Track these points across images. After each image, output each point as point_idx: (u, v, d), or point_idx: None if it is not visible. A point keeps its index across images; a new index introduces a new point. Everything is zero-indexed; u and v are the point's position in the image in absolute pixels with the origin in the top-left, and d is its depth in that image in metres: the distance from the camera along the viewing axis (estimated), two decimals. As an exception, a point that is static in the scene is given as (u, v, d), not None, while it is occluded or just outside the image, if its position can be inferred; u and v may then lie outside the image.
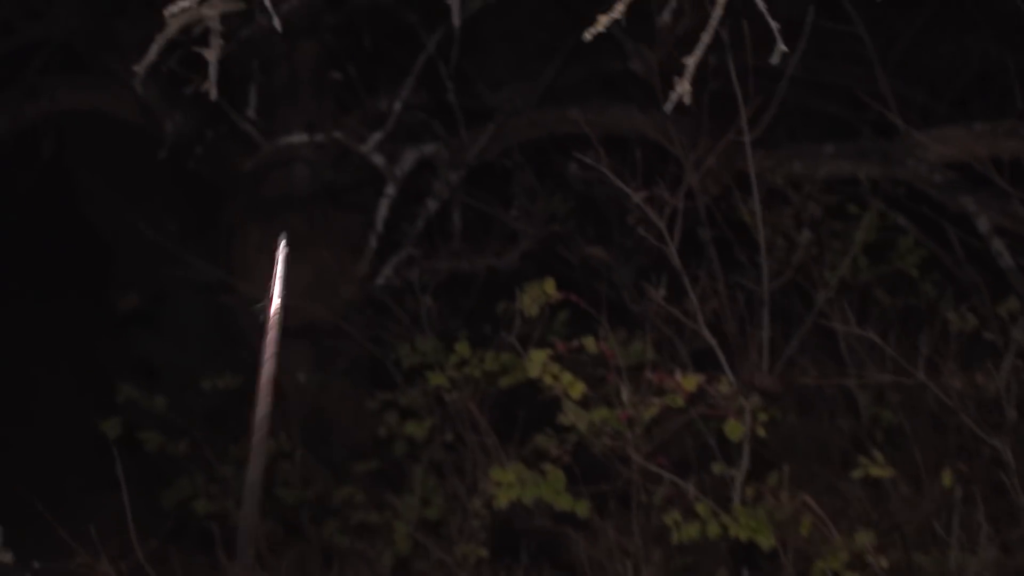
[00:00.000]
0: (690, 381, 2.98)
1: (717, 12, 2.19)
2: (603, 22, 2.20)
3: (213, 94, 3.39)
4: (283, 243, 1.28)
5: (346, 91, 5.35)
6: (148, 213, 6.62)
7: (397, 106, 4.32)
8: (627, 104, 5.05)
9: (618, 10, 2.20)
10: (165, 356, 6.65)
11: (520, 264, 5.00)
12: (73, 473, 6.30)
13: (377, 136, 4.57)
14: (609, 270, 5.05)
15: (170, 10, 2.54)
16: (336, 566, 4.78)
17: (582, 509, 3.18)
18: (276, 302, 1.28)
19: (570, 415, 2.92)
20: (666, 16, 4.33)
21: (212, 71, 2.72)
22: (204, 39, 2.73)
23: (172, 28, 2.60)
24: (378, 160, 4.68)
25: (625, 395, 2.94)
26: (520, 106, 5.22)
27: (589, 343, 3.19)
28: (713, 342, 3.22)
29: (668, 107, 2.10)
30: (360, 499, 4.76)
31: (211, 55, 2.67)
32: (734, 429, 2.92)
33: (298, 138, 4.66)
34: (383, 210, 4.78)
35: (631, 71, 5.10)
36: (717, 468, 3.34)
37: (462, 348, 4.04)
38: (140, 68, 2.71)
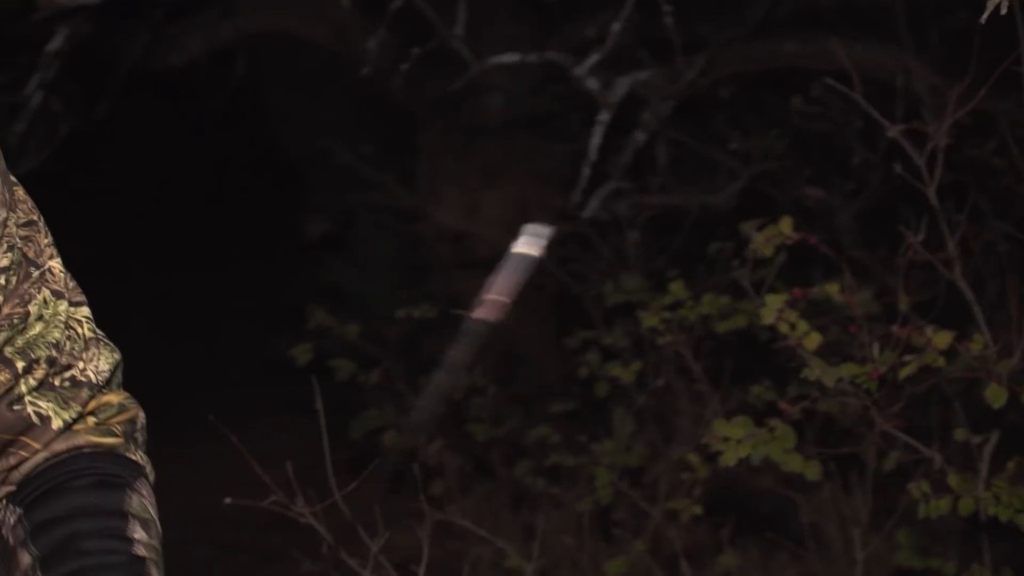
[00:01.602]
0: (942, 338, 2.68)
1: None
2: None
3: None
4: (529, 239, 1.00)
5: (554, 14, 5.14)
6: (340, 137, 6.55)
7: (615, 27, 4.07)
8: (854, 39, 4.71)
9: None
10: (353, 284, 6.59)
11: (733, 203, 4.74)
12: (261, 400, 6.30)
13: (593, 59, 4.33)
14: (827, 213, 4.76)
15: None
16: (526, 508, 4.64)
17: (812, 471, 2.92)
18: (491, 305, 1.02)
19: (816, 369, 2.65)
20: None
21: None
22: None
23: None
24: (592, 85, 4.44)
25: (876, 350, 2.66)
26: (733, 38, 4.94)
27: (833, 290, 2.91)
28: (971, 295, 2.91)
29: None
30: (555, 440, 4.60)
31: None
32: (997, 394, 2.62)
33: (509, 58, 4.46)
34: (596, 138, 4.55)
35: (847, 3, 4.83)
36: (960, 435, 3.05)
37: (677, 289, 3.80)
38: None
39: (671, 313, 3.79)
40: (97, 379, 1.46)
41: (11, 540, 1.40)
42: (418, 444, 4.73)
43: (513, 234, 4.72)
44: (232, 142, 8.76)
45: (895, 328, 2.75)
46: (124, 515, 1.40)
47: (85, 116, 5.25)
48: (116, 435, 1.46)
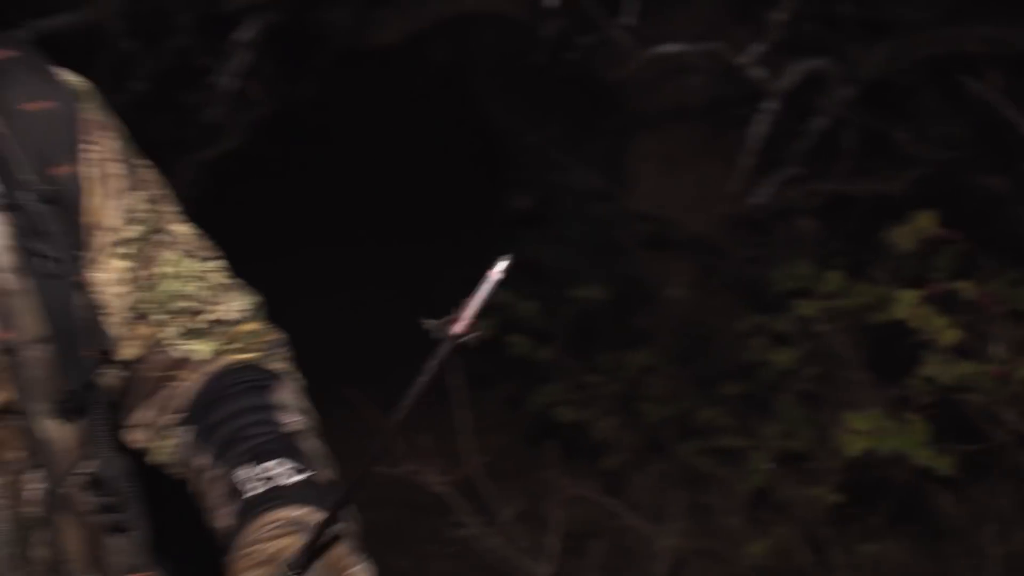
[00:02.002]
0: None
1: None
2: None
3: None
4: (502, 264, 1.13)
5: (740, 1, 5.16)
6: (542, 116, 6.71)
7: (781, 17, 4.09)
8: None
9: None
10: (548, 260, 6.76)
11: (911, 191, 4.69)
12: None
13: (757, 48, 4.35)
14: (1009, 204, 4.66)
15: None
16: (694, 488, 4.73)
17: (945, 466, 2.94)
18: (466, 322, 1.15)
19: (933, 366, 2.68)
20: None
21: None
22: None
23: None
24: (758, 74, 4.46)
25: (1001, 350, 2.67)
26: (924, 20, 4.87)
27: (966, 287, 2.92)
28: None
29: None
30: (724, 422, 4.67)
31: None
32: None
33: (673, 48, 4.52)
34: (761, 127, 4.58)
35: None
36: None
37: (834, 278, 3.83)
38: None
39: (828, 302, 3.82)
40: (236, 316, 1.73)
41: (189, 453, 1.66)
42: (589, 420, 4.88)
43: (698, 217, 4.84)
44: (441, 119, 9.05)
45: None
46: (274, 407, 1.65)
47: (289, 97, 5.55)
48: (256, 352, 1.72)
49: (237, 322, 1.73)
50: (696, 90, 5.72)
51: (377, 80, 8.04)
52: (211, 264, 1.74)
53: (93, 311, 1.61)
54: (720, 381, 4.88)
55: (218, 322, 1.72)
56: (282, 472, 1.55)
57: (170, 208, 1.72)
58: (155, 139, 1.73)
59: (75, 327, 1.57)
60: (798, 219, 4.65)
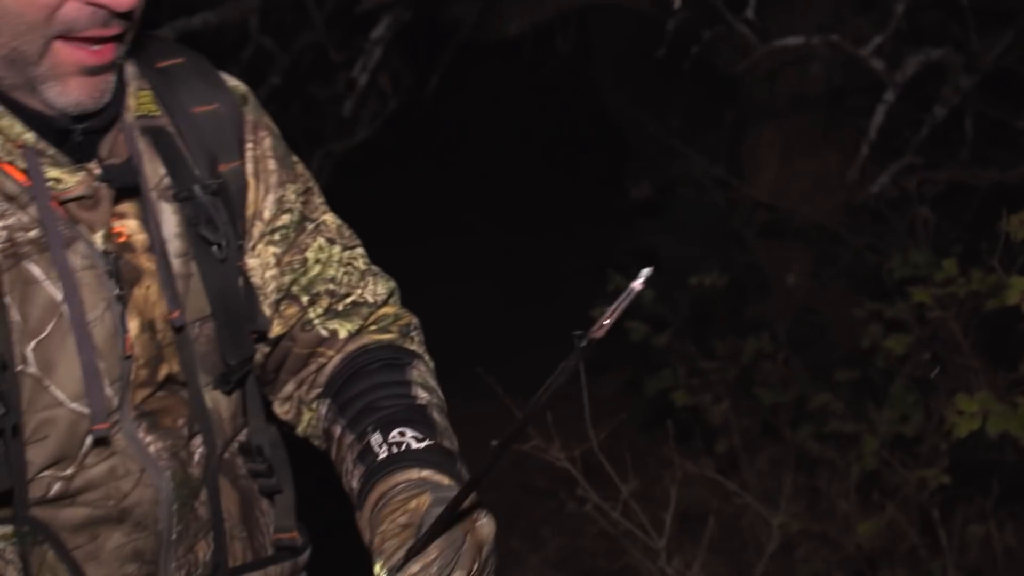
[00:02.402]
0: None
1: None
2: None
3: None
4: (644, 273, 1.17)
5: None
6: (662, 107, 6.79)
7: (900, 8, 4.13)
8: None
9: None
10: (666, 248, 6.84)
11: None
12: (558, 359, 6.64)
13: (877, 39, 4.40)
14: None
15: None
16: (806, 471, 4.80)
17: (1053, 448, 3.00)
18: (605, 329, 1.21)
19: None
20: None
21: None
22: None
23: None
24: (877, 64, 4.51)
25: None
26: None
27: (1075, 273, 2.97)
28: None
29: None
30: (837, 407, 4.73)
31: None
32: None
33: (794, 41, 4.58)
34: (879, 116, 4.62)
35: None
36: None
37: (949, 264, 3.87)
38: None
39: (942, 289, 3.86)
40: (375, 299, 1.90)
41: (328, 424, 1.82)
42: (704, 405, 4.97)
43: (818, 207, 4.86)
44: (565, 109, 9.17)
45: None
46: (406, 383, 1.80)
47: (418, 89, 5.72)
48: (393, 333, 1.89)
49: (377, 305, 1.90)
50: (814, 80, 5.75)
51: (500, 73, 8.19)
52: (354, 251, 1.91)
53: (251, 293, 1.79)
54: (836, 367, 4.94)
55: (360, 304, 1.88)
56: (410, 438, 1.68)
57: (318, 199, 1.91)
58: (287, 132, 1.90)
59: (235, 308, 1.76)
60: (916, 208, 4.67)
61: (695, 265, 5.66)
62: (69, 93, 1.54)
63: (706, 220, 6.76)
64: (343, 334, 1.86)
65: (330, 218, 1.91)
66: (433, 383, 1.85)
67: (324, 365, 1.87)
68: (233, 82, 1.84)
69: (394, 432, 1.70)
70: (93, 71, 1.55)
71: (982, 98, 4.98)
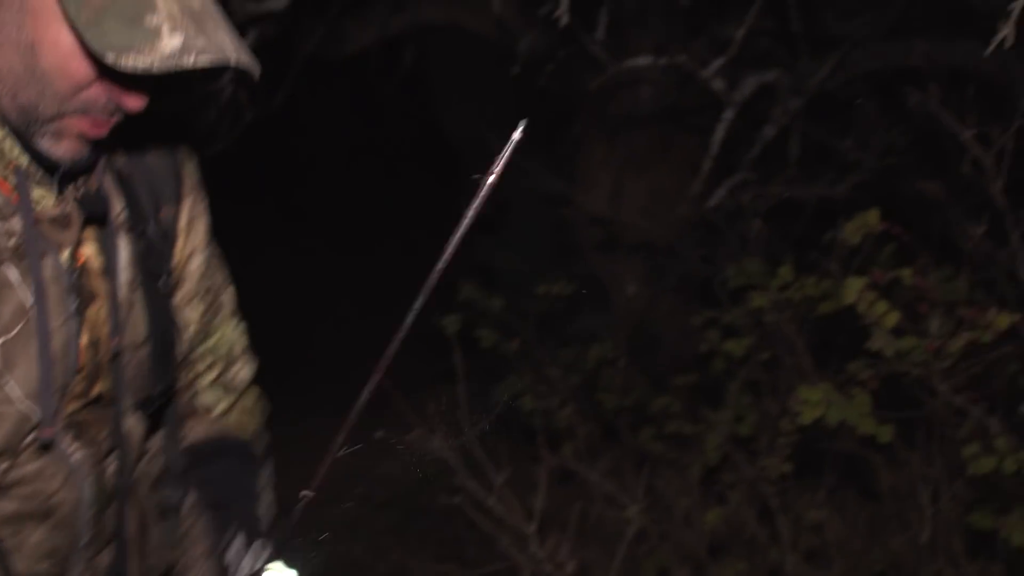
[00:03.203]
0: (1004, 319, 3.01)
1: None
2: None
3: (565, 19, 3.63)
4: (520, 127, 1.42)
5: (694, 16, 5.46)
6: (497, 125, 6.96)
7: (740, 33, 4.41)
8: (971, 40, 4.94)
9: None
10: (504, 262, 7.01)
11: (852, 194, 5.02)
12: (416, 363, 6.76)
13: (719, 62, 4.68)
14: (942, 206, 4.99)
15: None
16: (647, 470, 5.02)
17: (884, 434, 3.27)
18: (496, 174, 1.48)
19: (879, 341, 3.01)
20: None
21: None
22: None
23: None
24: (718, 85, 4.79)
25: (935, 327, 3.00)
26: (866, 37, 5.20)
27: (905, 275, 3.25)
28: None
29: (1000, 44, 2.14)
30: (676, 409, 4.96)
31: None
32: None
33: (644, 61, 4.83)
34: (719, 134, 4.91)
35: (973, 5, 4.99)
36: None
37: (785, 272, 4.15)
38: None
39: (779, 294, 4.13)
40: (247, 379, 2.11)
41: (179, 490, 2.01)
42: (550, 409, 5.15)
43: (652, 221, 5.08)
44: (400, 127, 9.27)
45: (963, 310, 3.08)
46: (255, 494, 2.05)
47: (267, 104, 5.78)
48: (254, 425, 2.12)
49: (248, 386, 2.12)
50: (644, 102, 6.01)
51: (344, 88, 8.26)
52: (242, 325, 2.10)
53: (178, 331, 1.95)
54: (674, 372, 5.17)
55: (240, 379, 2.09)
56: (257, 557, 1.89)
57: (225, 268, 2.07)
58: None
59: (168, 339, 1.92)
60: (749, 221, 4.95)
61: (533, 276, 5.85)
62: (60, 148, 1.68)
63: (543, 234, 6.96)
64: (218, 410, 2.08)
65: (232, 289, 2.08)
66: (270, 481, 2.11)
67: (190, 435, 2.06)
68: (181, 133, 1.99)
69: (250, 550, 1.90)
70: (87, 139, 1.70)
71: (808, 119, 5.29)
